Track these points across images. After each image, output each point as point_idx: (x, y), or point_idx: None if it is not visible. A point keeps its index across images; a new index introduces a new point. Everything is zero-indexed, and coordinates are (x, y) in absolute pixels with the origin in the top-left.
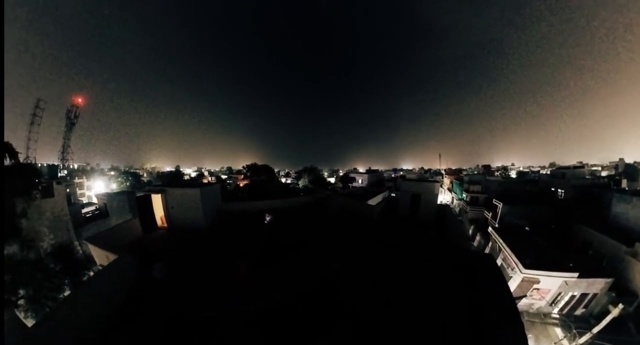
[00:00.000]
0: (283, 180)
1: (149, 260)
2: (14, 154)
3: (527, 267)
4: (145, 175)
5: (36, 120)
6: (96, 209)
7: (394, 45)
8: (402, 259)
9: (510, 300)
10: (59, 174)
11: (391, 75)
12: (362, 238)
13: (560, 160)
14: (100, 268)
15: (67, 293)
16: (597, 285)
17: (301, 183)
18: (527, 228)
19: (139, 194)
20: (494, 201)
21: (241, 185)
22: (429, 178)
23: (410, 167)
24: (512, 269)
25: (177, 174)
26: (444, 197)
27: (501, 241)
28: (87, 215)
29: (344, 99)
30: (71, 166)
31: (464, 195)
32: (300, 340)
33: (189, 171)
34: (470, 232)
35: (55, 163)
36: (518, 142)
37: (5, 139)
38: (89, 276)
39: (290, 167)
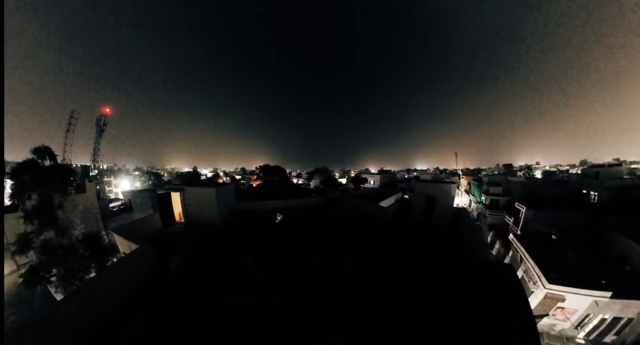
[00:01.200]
0: (295, 180)
1: (166, 252)
2: (53, 156)
3: (551, 282)
4: (165, 175)
5: (71, 128)
6: (122, 204)
7: (400, 39)
8: (413, 266)
9: (529, 318)
10: (91, 173)
11: (400, 72)
12: (373, 241)
13: (592, 157)
14: (123, 256)
15: (92, 275)
16: (633, 309)
17: (312, 184)
18: (553, 237)
19: (159, 192)
20: (517, 205)
21: (254, 185)
22: (445, 179)
23: (424, 167)
24: (534, 283)
25: (195, 174)
26: (461, 199)
27: (523, 250)
28: (114, 209)
29: (354, 99)
30: (101, 167)
31: (483, 198)
32: (301, 338)
33: (206, 172)
34: (489, 238)
35: (88, 164)
36: (543, 137)
37: (46, 144)
38: (113, 262)
39: (302, 167)
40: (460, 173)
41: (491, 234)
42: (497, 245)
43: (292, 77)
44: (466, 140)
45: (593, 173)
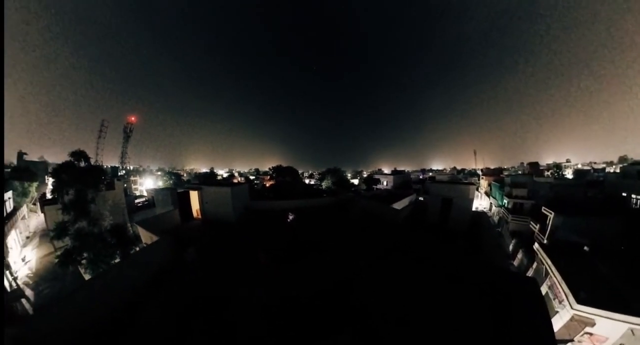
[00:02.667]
0: (307, 181)
1: (183, 244)
2: (87, 158)
3: (580, 301)
4: (185, 175)
5: (102, 135)
6: (145, 200)
7: (407, 33)
8: (424, 272)
9: (550, 341)
10: (119, 173)
11: (411, 67)
12: (385, 244)
13: (634, 153)
14: (144, 246)
15: (116, 260)
16: None
17: (324, 184)
18: (586, 248)
19: (179, 190)
20: (544, 210)
21: (267, 185)
22: (463, 180)
23: (440, 167)
24: (560, 302)
25: (212, 175)
26: (480, 202)
27: (549, 263)
28: (138, 205)
29: (365, 98)
30: (128, 167)
31: (505, 201)
32: (306, 336)
33: (222, 172)
34: (511, 247)
35: (116, 165)
36: (574, 130)
37: (81, 148)
38: (135, 251)
39: (314, 168)
40: (480, 173)
41: (513, 242)
42: (519, 255)
43: (302, 80)
44: (486, 136)
45: (635, 172)
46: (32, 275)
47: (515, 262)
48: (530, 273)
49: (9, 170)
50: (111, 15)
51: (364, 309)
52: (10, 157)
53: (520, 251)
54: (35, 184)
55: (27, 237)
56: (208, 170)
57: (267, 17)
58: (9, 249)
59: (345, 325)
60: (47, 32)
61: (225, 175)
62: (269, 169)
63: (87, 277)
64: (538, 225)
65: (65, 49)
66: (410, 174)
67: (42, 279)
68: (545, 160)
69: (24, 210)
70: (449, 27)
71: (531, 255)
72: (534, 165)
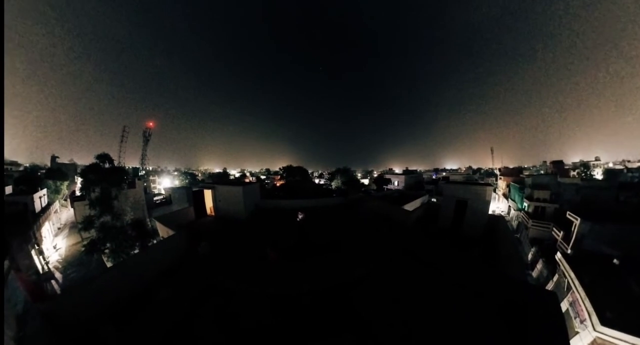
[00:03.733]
0: (316, 181)
1: (196, 239)
2: (111, 160)
3: (605, 323)
4: (200, 175)
5: (124, 139)
6: (163, 198)
7: (415, 24)
8: (435, 281)
9: None
10: (139, 173)
11: (420, 62)
12: (394, 247)
13: None
14: (161, 239)
15: (136, 251)
16: None
17: (334, 184)
18: (616, 261)
19: (194, 189)
20: (568, 215)
21: (277, 184)
22: (479, 180)
23: (455, 167)
24: (582, 322)
25: (224, 175)
26: (498, 205)
27: (572, 276)
28: (157, 202)
29: (374, 96)
30: (147, 168)
31: (525, 205)
32: (306, 333)
33: (234, 172)
34: (530, 256)
35: (137, 166)
36: (603, 124)
37: (106, 152)
38: (153, 243)
39: (324, 168)
40: (497, 173)
41: (533, 250)
42: (539, 266)
43: (309, 80)
44: (504, 132)
45: None
46: (61, 260)
47: (534, 273)
48: (550, 286)
49: (44, 171)
50: (125, 32)
51: (367, 315)
52: (45, 160)
53: (540, 261)
54: (66, 183)
55: (59, 228)
56: (221, 171)
57: (270, 21)
58: (43, 238)
59: (346, 328)
60: (71, 52)
61: (237, 175)
62: (280, 169)
63: (109, 264)
64: (562, 232)
65: (88, 66)
66: (422, 174)
67: (69, 264)
68: (571, 158)
69: (56, 205)
70: (457, 16)
71: (552, 266)
72: (558, 164)
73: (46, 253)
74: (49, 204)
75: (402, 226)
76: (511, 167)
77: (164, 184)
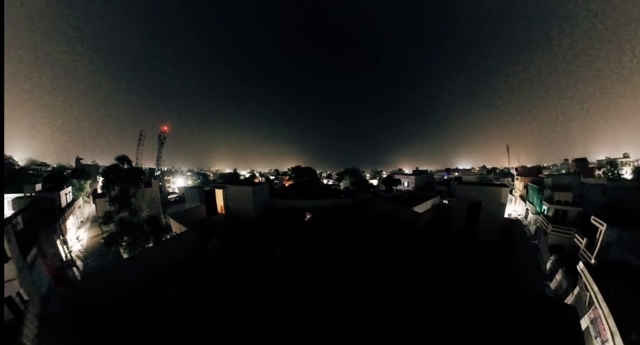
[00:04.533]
0: (325, 181)
1: (207, 236)
2: (129, 162)
3: None
4: (211, 175)
5: (141, 142)
6: (177, 197)
7: (417, 17)
8: (445, 288)
9: None
10: (155, 174)
11: (426, 57)
12: (403, 250)
13: None
14: (174, 234)
15: (150, 245)
16: None
17: (342, 184)
18: None
19: (206, 189)
20: (593, 220)
21: (286, 185)
22: (493, 180)
23: (467, 167)
24: (604, 343)
25: (235, 175)
26: (514, 208)
27: (596, 289)
28: (171, 200)
29: (380, 95)
30: (162, 169)
31: (544, 208)
32: (307, 333)
33: (244, 172)
34: (548, 265)
35: (153, 167)
36: (632, 114)
37: (124, 154)
38: (166, 238)
39: (332, 168)
40: (514, 173)
41: (552, 258)
42: (558, 276)
43: (314, 81)
44: (520, 128)
45: None
46: (82, 250)
47: (552, 285)
48: (569, 300)
49: (69, 171)
50: (138, 45)
51: (373, 319)
52: (70, 162)
53: (560, 271)
54: (89, 182)
55: (82, 222)
56: (232, 171)
57: (272, 24)
58: (68, 230)
59: (351, 330)
60: (91, 66)
61: (247, 175)
62: (288, 169)
63: (125, 256)
64: (585, 239)
65: (107, 77)
66: (433, 174)
67: (90, 254)
68: (596, 155)
69: (80, 201)
70: (461, 6)
71: (573, 278)
72: (581, 163)
73: (70, 243)
74: (74, 200)
75: (412, 229)
76: (529, 166)
77: (178, 183)
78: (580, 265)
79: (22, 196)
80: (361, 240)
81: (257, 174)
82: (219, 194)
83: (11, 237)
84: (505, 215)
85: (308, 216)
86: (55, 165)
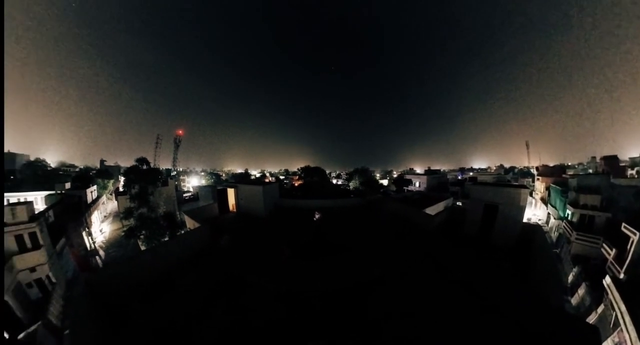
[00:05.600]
0: (334, 181)
1: (219, 232)
2: (147, 163)
3: None
4: (224, 175)
5: (158, 145)
6: (191, 195)
7: (423, 5)
8: (455, 295)
9: None
10: (171, 174)
11: (435, 48)
12: (413, 254)
13: None
14: (188, 230)
15: (166, 239)
16: None
17: (352, 184)
18: None
19: (219, 188)
20: (624, 227)
21: (296, 184)
22: (512, 181)
23: (483, 166)
24: None
25: (246, 175)
26: (534, 212)
27: (623, 309)
28: (186, 198)
29: (389, 92)
30: (178, 169)
31: (568, 212)
32: (313, 331)
33: (255, 172)
34: (570, 277)
35: (170, 167)
36: None
37: (143, 156)
38: (181, 233)
39: (342, 168)
40: (535, 172)
41: (575, 270)
42: (580, 291)
43: (321, 82)
44: (541, 122)
45: None
46: (105, 241)
47: (574, 300)
48: (592, 319)
49: (94, 172)
50: (152, 57)
51: (377, 320)
52: (95, 163)
53: (583, 285)
54: (112, 181)
55: (105, 216)
56: (243, 171)
57: (275, 26)
58: (92, 223)
59: (355, 330)
60: (110, 78)
61: (258, 175)
62: (298, 169)
63: (143, 248)
64: (614, 250)
65: (125, 87)
66: (446, 174)
67: (111, 245)
68: (628, 152)
69: (103, 198)
70: None
71: (598, 294)
72: (611, 161)
73: (94, 235)
74: (98, 197)
75: (423, 231)
76: (551, 165)
77: (192, 182)
78: (607, 280)
79: (53, 193)
80: (370, 241)
81: (268, 174)
82: (230, 193)
83: (43, 228)
84: (524, 220)
85: (317, 216)
86: (82, 167)
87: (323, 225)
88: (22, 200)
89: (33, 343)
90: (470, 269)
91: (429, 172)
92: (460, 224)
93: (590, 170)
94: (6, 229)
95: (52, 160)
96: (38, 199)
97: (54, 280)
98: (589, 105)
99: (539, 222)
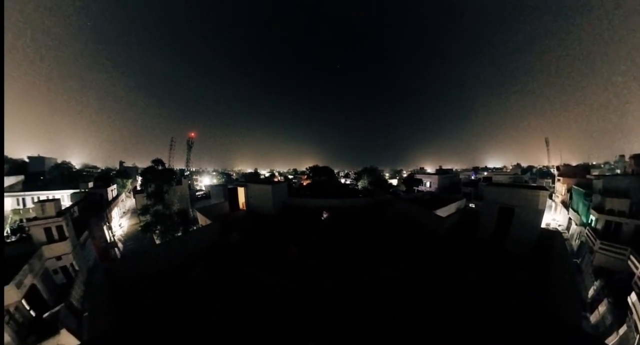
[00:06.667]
0: (342, 180)
1: (229, 229)
2: (163, 164)
3: None
4: (234, 175)
5: (172, 147)
6: (203, 193)
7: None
8: (462, 303)
9: None
10: (185, 174)
11: (443, 41)
12: (422, 257)
13: None
14: (200, 226)
15: (179, 234)
16: None
17: (360, 184)
18: None
19: (229, 187)
20: None
21: (304, 184)
22: (530, 182)
23: (498, 165)
24: None
25: (256, 174)
26: (554, 216)
27: None
28: (198, 196)
29: (396, 88)
30: (191, 169)
31: (592, 218)
32: (315, 329)
33: (264, 172)
34: (591, 292)
35: (183, 168)
36: None
37: (159, 157)
38: (193, 229)
39: (350, 167)
40: (555, 173)
41: (596, 284)
42: (601, 308)
43: (327, 81)
44: (561, 116)
45: None
46: (123, 235)
47: (593, 318)
48: (612, 341)
49: (114, 172)
50: (164, 66)
51: (381, 323)
52: (115, 164)
53: (605, 301)
54: (130, 180)
55: (124, 212)
56: (253, 171)
57: (278, 27)
58: (112, 218)
59: (358, 332)
60: (126, 87)
61: (267, 174)
62: (306, 169)
63: (157, 242)
64: None
65: (140, 95)
66: (459, 174)
67: (129, 238)
68: None
69: (122, 196)
70: None
71: (621, 312)
72: None
73: (113, 229)
74: (118, 195)
75: (433, 234)
76: (574, 164)
77: (204, 182)
78: (633, 298)
79: (78, 191)
80: (378, 242)
81: (277, 174)
82: (241, 191)
83: (69, 222)
84: (543, 225)
85: (325, 215)
86: (103, 168)
87: (331, 224)
88: (50, 197)
89: (56, 322)
90: (481, 277)
91: (440, 172)
92: (473, 227)
93: (618, 171)
94: (36, 222)
95: (77, 162)
96: (64, 197)
97: (77, 268)
98: (615, 95)
99: (559, 228)
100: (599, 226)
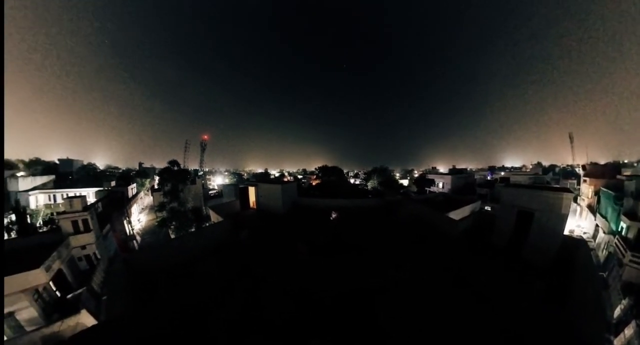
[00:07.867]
0: (352, 181)
1: (239, 227)
2: (178, 164)
3: None
4: (245, 174)
5: (187, 149)
6: (216, 192)
7: None
8: (473, 313)
9: None
10: (199, 174)
11: (452, 30)
12: (433, 261)
13: None
14: (212, 223)
15: (192, 230)
16: None
17: (370, 184)
18: None
19: (241, 186)
20: None
21: (313, 184)
22: (552, 183)
23: (517, 164)
24: None
25: (266, 174)
26: (579, 222)
27: None
28: (211, 195)
29: (405, 84)
30: (204, 170)
31: (622, 225)
32: (319, 329)
33: (274, 172)
34: (617, 311)
35: (197, 168)
36: None
37: (174, 158)
38: (205, 226)
39: (360, 167)
40: (580, 172)
41: (624, 302)
42: (628, 331)
43: (335, 81)
44: (587, 108)
45: None
46: (141, 229)
47: (617, 341)
48: None
49: (134, 172)
50: (177, 75)
51: (386, 326)
52: (135, 165)
53: (634, 324)
54: (148, 180)
55: (142, 209)
56: (263, 171)
57: (282, 29)
58: (132, 214)
59: (362, 333)
60: (143, 96)
61: (277, 174)
62: (315, 169)
63: (172, 236)
64: None
65: (156, 102)
66: (474, 174)
67: (146, 232)
68: None
69: (141, 194)
70: None
71: None
72: None
73: (133, 223)
74: (137, 193)
75: (446, 237)
76: (602, 162)
77: (217, 181)
78: None
79: (101, 189)
80: (386, 244)
81: (286, 173)
82: (251, 191)
83: (93, 216)
84: (566, 232)
85: (334, 215)
86: (124, 168)
87: (339, 225)
88: (77, 194)
89: (77, 302)
90: (495, 286)
91: (453, 172)
92: (488, 231)
93: None
94: (65, 215)
95: (101, 163)
96: (90, 194)
97: (99, 256)
98: None
99: (584, 236)
100: (630, 235)
